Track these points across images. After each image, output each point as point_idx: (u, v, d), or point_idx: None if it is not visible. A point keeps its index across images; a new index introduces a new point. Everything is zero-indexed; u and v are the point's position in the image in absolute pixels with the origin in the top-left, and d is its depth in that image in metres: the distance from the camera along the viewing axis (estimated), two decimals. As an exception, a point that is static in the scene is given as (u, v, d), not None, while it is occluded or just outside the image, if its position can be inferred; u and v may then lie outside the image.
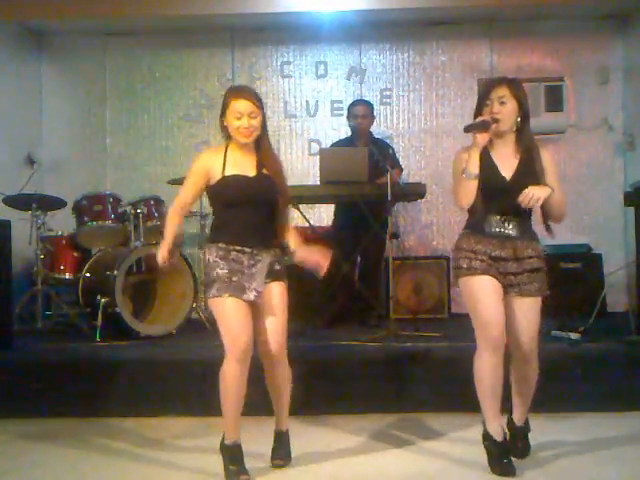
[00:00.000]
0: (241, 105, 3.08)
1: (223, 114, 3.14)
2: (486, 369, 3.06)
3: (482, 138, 3.08)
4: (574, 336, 4.45)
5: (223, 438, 3.13)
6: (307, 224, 5.44)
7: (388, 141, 6.51)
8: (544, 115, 6.36)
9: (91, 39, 6.80)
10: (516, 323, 3.12)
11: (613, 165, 6.58)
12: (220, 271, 3.06)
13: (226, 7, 5.96)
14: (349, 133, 5.72)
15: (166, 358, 4.44)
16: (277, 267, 3.16)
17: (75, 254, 5.53)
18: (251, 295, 3.07)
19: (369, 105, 5.67)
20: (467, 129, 3.13)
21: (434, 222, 6.68)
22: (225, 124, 3.14)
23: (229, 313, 3.04)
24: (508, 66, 6.52)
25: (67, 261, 5.50)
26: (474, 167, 3.07)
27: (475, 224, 3.14)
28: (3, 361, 4.38)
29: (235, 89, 3.24)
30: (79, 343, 4.90)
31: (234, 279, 3.05)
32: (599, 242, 6.26)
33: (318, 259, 3.18)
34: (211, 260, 3.10)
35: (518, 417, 3.29)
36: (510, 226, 3.12)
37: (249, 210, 3.11)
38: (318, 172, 5.25)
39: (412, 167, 6.67)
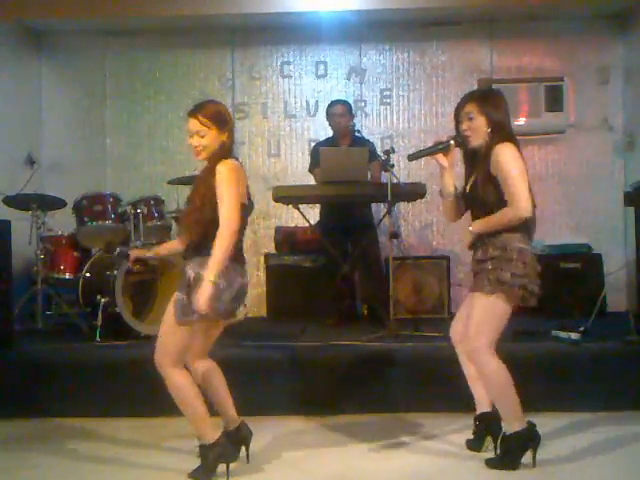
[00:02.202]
0: (189, 123, 3.10)
1: None
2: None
3: (443, 160, 3.25)
4: (574, 336, 4.45)
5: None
6: (307, 224, 5.45)
7: (387, 141, 6.54)
8: (544, 115, 6.37)
9: (91, 39, 6.80)
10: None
11: (613, 165, 6.58)
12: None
13: (226, 7, 5.97)
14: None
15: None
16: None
17: (75, 254, 5.52)
18: None
19: (346, 104, 5.71)
20: (411, 158, 3.37)
21: (434, 222, 6.68)
22: None
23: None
24: (508, 66, 6.52)
25: (67, 261, 5.49)
26: (445, 188, 3.28)
27: None
28: (3, 361, 4.38)
29: (193, 106, 3.15)
30: (79, 343, 4.89)
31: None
32: (599, 242, 6.25)
33: None
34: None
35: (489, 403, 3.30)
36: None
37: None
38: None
39: (412, 167, 6.65)
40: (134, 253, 3.61)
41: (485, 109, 3.15)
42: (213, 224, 2.98)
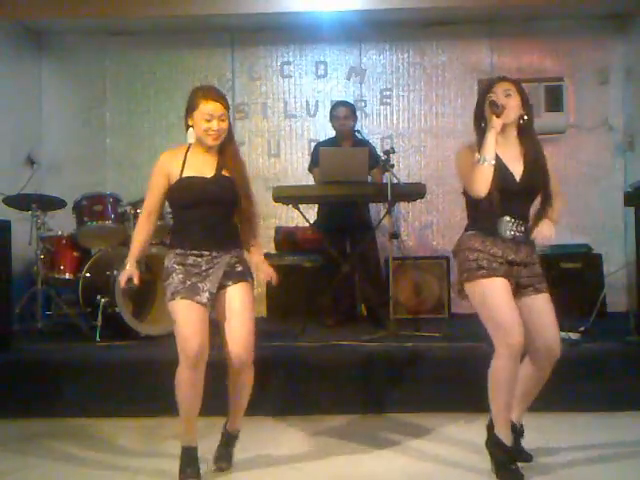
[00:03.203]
0: (211, 107, 3.02)
1: (189, 114, 3.08)
2: (506, 374, 2.97)
3: (497, 122, 3.03)
4: (574, 336, 4.45)
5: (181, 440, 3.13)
6: (307, 224, 5.45)
7: (387, 141, 6.54)
8: (544, 115, 6.36)
9: (91, 39, 6.80)
10: (539, 321, 3.03)
11: (613, 165, 6.57)
12: (176, 277, 3.02)
13: (226, 7, 5.95)
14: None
15: (166, 358, 4.41)
16: (239, 268, 3.09)
17: (75, 254, 5.52)
18: (204, 297, 3.01)
19: (350, 106, 5.70)
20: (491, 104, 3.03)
21: (434, 222, 6.68)
22: (190, 124, 3.08)
23: (181, 317, 3.00)
24: (508, 66, 6.51)
25: (67, 261, 5.49)
26: (490, 152, 3.00)
27: (485, 225, 3.07)
28: (3, 361, 4.38)
29: (204, 90, 3.11)
30: (79, 343, 4.90)
31: (188, 282, 3.01)
32: (599, 242, 6.25)
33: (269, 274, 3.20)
34: (169, 267, 3.06)
35: (517, 416, 3.20)
36: (522, 229, 3.07)
37: (206, 212, 3.06)
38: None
39: (412, 167, 6.67)
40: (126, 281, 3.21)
41: (522, 93, 3.10)
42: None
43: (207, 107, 3.02)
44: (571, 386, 4.06)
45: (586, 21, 6.57)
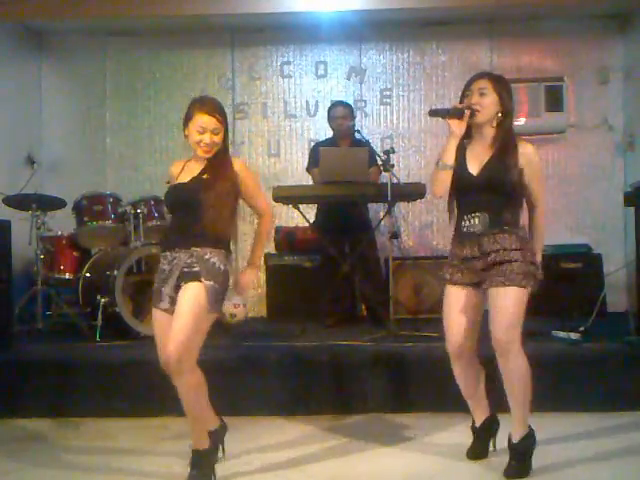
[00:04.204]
0: (205, 120, 3.03)
1: (186, 125, 3.08)
2: (455, 375, 3.23)
3: (457, 126, 3.05)
4: (574, 336, 4.45)
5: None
6: (307, 224, 5.45)
7: (387, 141, 6.54)
8: (544, 115, 6.37)
9: (91, 39, 6.80)
10: (491, 314, 3.03)
11: (613, 165, 6.58)
12: (155, 283, 3.07)
13: (226, 7, 5.95)
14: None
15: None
16: (195, 268, 2.95)
17: (75, 254, 5.52)
18: (165, 302, 3.00)
19: (348, 106, 5.70)
20: (432, 113, 3.16)
21: (434, 222, 6.68)
22: (186, 134, 3.10)
23: (154, 326, 3.03)
24: (508, 66, 6.52)
25: (67, 261, 5.49)
26: (449, 158, 3.07)
27: (455, 225, 3.17)
28: (3, 361, 4.38)
29: (201, 101, 3.10)
30: (79, 343, 4.90)
31: (156, 287, 3.04)
32: (599, 242, 6.26)
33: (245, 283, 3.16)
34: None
35: (513, 430, 3.10)
36: (476, 222, 3.07)
37: (180, 215, 3.11)
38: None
39: (412, 167, 6.68)
40: None
41: (499, 90, 3.07)
42: (232, 219, 3.09)
43: (201, 119, 3.03)
44: (571, 386, 4.07)
45: (586, 21, 6.58)
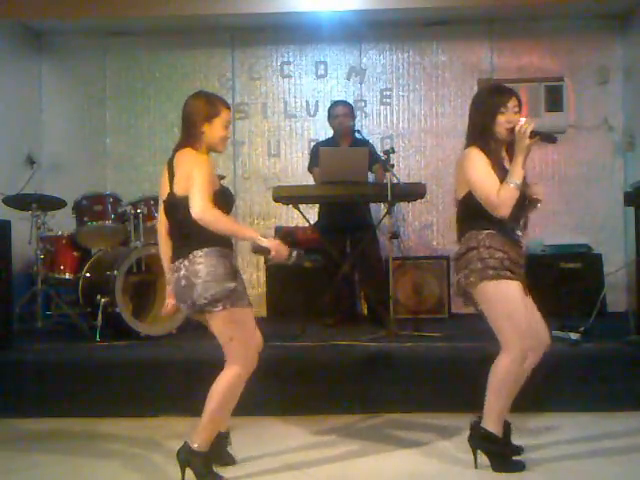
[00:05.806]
0: (229, 116, 3.14)
1: (209, 120, 3.08)
2: (518, 374, 3.09)
3: (529, 146, 3.10)
4: (574, 336, 4.44)
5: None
6: (307, 224, 5.45)
7: (387, 141, 6.54)
8: (544, 115, 6.37)
9: (91, 39, 6.81)
10: (533, 317, 3.16)
11: (613, 165, 6.57)
12: (233, 282, 3.08)
13: (226, 7, 5.96)
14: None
15: (166, 358, 4.44)
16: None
17: (75, 254, 5.52)
18: (247, 298, 3.13)
19: (348, 105, 5.70)
20: (532, 134, 3.08)
21: (434, 222, 6.68)
22: (203, 130, 3.09)
23: (247, 324, 3.09)
24: (508, 66, 6.52)
25: (67, 261, 5.49)
26: (520, 176, 3.09)
27: (502, 228, 3.12)
28: (3, 361, 4.38)
29: (220, 98, 3.18)
30: (79, 343, 4.90)
31: (237, 287, 3.07)
32: (599, 242, 6.25)
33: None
34: None
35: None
36: (520, 233, 3.20)
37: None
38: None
39: (412, 167, 6.67)
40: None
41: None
42: None
43: (228, 115, 3.13)
44: (571, 386, 4.07)
45: (586, 21, 6.57)
